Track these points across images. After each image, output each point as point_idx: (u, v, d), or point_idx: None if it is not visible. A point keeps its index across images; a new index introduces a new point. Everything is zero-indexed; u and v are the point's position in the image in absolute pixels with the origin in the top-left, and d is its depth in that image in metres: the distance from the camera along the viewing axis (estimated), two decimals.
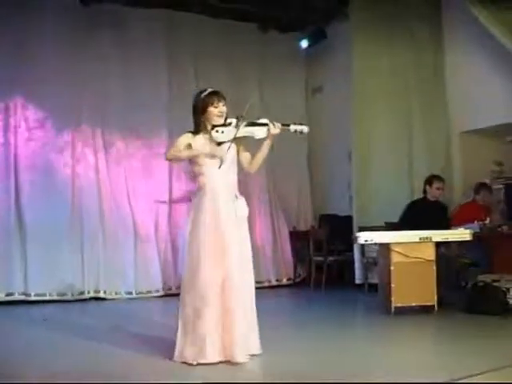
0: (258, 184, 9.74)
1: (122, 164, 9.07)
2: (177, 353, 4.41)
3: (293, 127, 4.64)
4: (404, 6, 8.77)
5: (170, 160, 4.91)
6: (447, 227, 6.89)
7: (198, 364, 4.28)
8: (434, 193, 7.40)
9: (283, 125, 4.64)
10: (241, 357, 4.30)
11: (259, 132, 4.59)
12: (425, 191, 7.48)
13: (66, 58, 8.70)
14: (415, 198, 7.78)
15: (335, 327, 5.99)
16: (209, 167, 4.55)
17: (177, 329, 4.45)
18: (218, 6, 9.33)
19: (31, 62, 8.52)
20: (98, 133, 8.96)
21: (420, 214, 7.10)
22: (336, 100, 9.91)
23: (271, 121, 4.61)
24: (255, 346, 4.54)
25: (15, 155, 8.44)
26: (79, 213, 8.64)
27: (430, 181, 7.45)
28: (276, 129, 4.57)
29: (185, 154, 4.58)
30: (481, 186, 7.84)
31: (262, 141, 4.64)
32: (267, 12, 9.65)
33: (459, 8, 8.30)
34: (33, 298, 8.11)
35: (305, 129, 4.67)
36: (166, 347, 4.62)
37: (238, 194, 4.63)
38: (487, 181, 8.12)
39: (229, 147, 4.46)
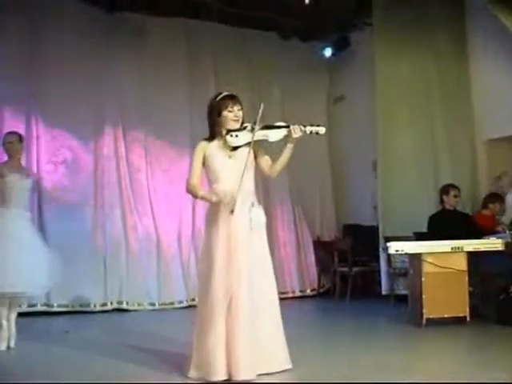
0: (281, 194, 9.68)
1: (145, 174, 9.01)
2: (191, 369, 4.27)
3: (309, 128, 4.51)
4: (426, 13, 8.68)
5: (189, 193, 4.67)
6: (477, 235, 6.74)
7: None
8: (451, 201, 7.31)
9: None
10: (245, 373, 4.12)
11: (274, 135, 4.49)
12: (442, 201, 7.40)
13: (86, 67, 8.68)
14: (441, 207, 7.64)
15: (367, 340, 5.87)
16: (223, 173, 4.46)
17: (192, 344, 4.33)
18: (237, 15, 9.28)
19: (50, 72, 8.53)
20: (120, 143, 8.92)
21: (444, 226, 6.98)
22: (358, 109, 9.85)
23: (292, 124, 4.50)
24: (285, 361, 4.40)
25: (38, 165, 8.41)
26: (102, 223, 8.58)
27: (446, 190, 7.37)
28: (297, 132, 4.44)
29: (201, 197, 4.53)
30: (495, 197, 7.69)
31: (278, 144, 4.54)
32: (288, 20, 9.58)
33: (482, 14, 8.17)
34: (55, 309, 8.04)
35: (321, 130, 4.54)
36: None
37: (255, 201, 4.51)
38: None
39: (239, 186, 4.34)
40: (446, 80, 8.72)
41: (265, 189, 9.20)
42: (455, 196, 7.32)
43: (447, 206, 7.34)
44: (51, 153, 8.56)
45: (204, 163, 4.52)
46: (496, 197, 7.68)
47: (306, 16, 9.30)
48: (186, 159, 9.11)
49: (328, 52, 10.22)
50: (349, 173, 10.23)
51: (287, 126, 4.49)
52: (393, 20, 8.65)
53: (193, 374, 4.25)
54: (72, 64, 8.58)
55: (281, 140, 4.51)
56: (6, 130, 6.99)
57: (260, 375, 4.21)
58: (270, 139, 4.49)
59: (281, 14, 9.32)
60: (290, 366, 4.40)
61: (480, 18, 8.39)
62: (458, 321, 6.27)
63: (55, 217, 8.34)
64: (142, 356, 5.15)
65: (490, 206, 7.61)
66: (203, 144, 4.53)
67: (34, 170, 8.31)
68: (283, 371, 4.34)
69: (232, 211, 4.31)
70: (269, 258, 4.54)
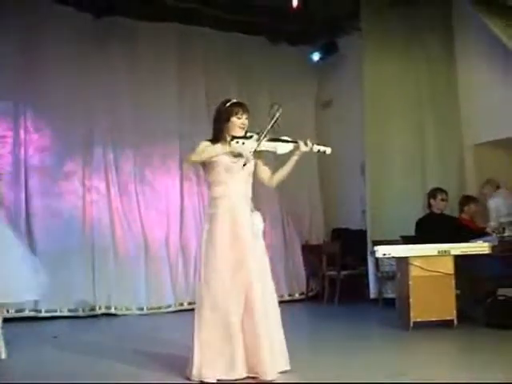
0: (269, 198, 9.64)
1: (133, 180, 8.99)
2: (195, 371, 4.28)
3: (316, 147, 4.62)
4: (415, 18, 8.72)
5: (192, 162, 4.63)
6: (465, 239, 6.77)
7: (219, 381, 4.20)
8: (439, 205, 7.35)
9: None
10: (271, 374, 4.21)
11: (282, 148, 4.54)
12: (429, 205, 7.43)
13: (75, 72, 8.69)
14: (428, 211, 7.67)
15: (355, 343, 5.86)
16: (226, 176, 4.48)
17: (193, 346, 4.33)
18: (227, 19, 9.28)
19: (39, 75, 8.49)
20: (109, 148, 8.90)
21: (432, 230, 7.01)
22: (347, 113, 9.89)
23: (295, 139, 4.59)
24: (284, 362, 4.44)
25: (25, 170, 8.38)
26: (90, 229, 8.56)
27: (433, 194, 7.41)
28: (307, 147, 4.54)
29: (206, 155, 4.47)
30: (467, 199, 7.75)
31: (281, 156, 4.59)
32: (277, 25, 9.61)
33: (471, 19, 8.21)
34: (43, 315, 8.01)
35: (328, 150, 4.67)
36: (182, 365, 4.51)
37: (252, 208, 4.57)
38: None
39: (245, 162, 4.41)
40: (434, 84, 8.75)
41: (253, 192, 9.17)
42: (442, 200, 7.35)
43: (435, 210, 7.37)
44: (39, 158, 8.52)
45: (205, 164, 4.54)
46: (468, 198, 7.74)
47: (295, 20, 9.31)
48: (175, 164, 9.15)
49: (316, 56, 10.24)
50: (337, 177, 10.24)
51: (295, 141, 4.56)
52: (381, 25, 8.68)
53: (197, 376, 4.26)
54: (62, 69, 8.59)
55: (287, 153, 4.57)
56: None
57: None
58: (278, 152, 4.55)
59: (270, 18, 9.33)
60: (287, 368, 4.44)
61: (467, 20, 8.43)
62: (446, 324, 6.28)
63: (43, 222, 8.32)
64: (135, 358, 5.17)
65: (465, 208, 7.65)
66: (207, 143, 4.54)
67: (23, 174, 8.32)
68: (283, 372, 4.38)
69: (245, 164, 4.41)
70: (268, 262, 4.57)
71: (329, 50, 10.04)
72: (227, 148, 4.47)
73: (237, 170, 4.47)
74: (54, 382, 4.43)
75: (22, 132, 8.42)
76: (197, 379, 4.26)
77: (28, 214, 8.29)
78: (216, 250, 4.36)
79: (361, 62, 8.77)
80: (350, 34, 9.64)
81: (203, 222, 4.62)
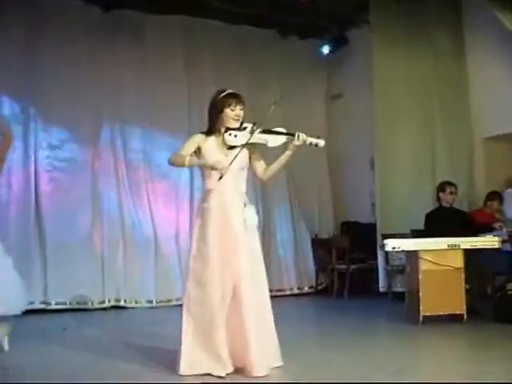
0: (279, 192, 9.67)
1: (143, 173, 9.00)
2: (182, 365, 4.27)
3: (308, 139, 4.46)
4: (424, 12, 8.69)
5: (171, 164, 4.53)
6: (473, 233, 6.74)
7: (212, 376, 4.19)
8: (447, 198, 7.33)
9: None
10: (261, 370, 4.16)
11: (274, 140, 4.45)
12: (438, 198, 7.42)
13: (83, 65, 8.66)
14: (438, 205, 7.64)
15: (363, 337, 5.85)
16: (216, 171, 4.40)
17: (180, 342, 4.31)
18: (236, 12, 9.23)
19: (47, 68, 8.49)
20: (118, 142, 8.90)
21: (441, 224, 6.99)
22: (356, 106, 9.85)
23: (294, 131, 4.46)
24: (275, 358, 4.40)
25: (35, 166, 8.39)
26: (100, 221, 8.57)
27: (442, 187, 7.40)
28: (299, 141, 4.42)
29: (188, 162, 4.42)
30: (493, 195, 7.71)
31: (276, 149, 4.52)
32: (286, 18, 9.57)
33: (480, 11, 8.18)
34: (53, 307, 8.05)
35: (320, 142, 4.49)
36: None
37: (247, 201, 4.50)
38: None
39: (233, 158, 4.32)
40: (443, 77, 8.72)
41: (263, 187, 9.22)
42: (451, 193, 7.32)
43: (444, 204, 7.35)
44: (49, 151, 8.53)
45: (198, 157, 4.48)
46: (494, 194, 7.69)
47: (305, 13, 9.28)
48: None
49: (326, 49, 10.19)
50: (347, 170, 10.23)
51: (291, 134, 4.44)
52: (390, 18, 8.65)
53: (185, 370, 4.26)
54: (70, 62, 8.55)
55: (280, 146, 4.49)
56: None
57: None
58: (269, 144, 4.45)
59: (279, 11, 9.30)
60: (280, 364, 4.40)
61: (477, 14, 8.41)
62: (455, 318, 6.27)
63: (53, 215, 8.33)
64: (142, 353, 5.12)
65: (488, 203, 7.64)
66: (200, 136, 4.51)
67: (32, 167, 8.34)
68: (277, 368, 4.35)
69: (221, 177, 4.32)
70: (261, 257, 4.50)
71: (339, 42, 9.97)
72: (218, 145, 4.45)
73: (225, 165, 4.35)
74: (58, 379, 4.40)
75: (31, 124, 8.42)
76: (185, 374, 4.25)
77: (38, 208, 8.30)
78: (208, 246, 4.31)
79: (370, 56, 8.74)
80: (359, 28, 9.59)
81: (195, 216, 4.57)
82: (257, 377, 4.13)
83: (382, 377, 4.19)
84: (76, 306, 8.16)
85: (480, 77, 8.53)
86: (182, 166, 4.52)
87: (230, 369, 4.23)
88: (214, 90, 9.05)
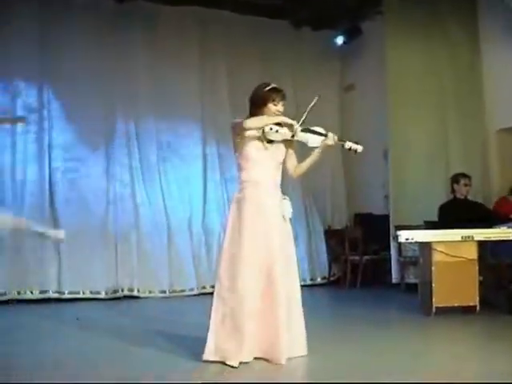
0: (292, 183, 9.63)
1: (156, 164, 9.01)
2: (206, 351, 4.30)
3: (348, 144, 4.51)
4: (438, 2, 8.65)
5: (249, 128, 4.36)
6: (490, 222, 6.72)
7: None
8: (462, 190, 7.31)
9: (339, 140, 4.53)
10: (284, 358, 4.21)
11: (314, 140, 4.49)
12: (453, 190, 7.40)
13: (97, 56, 8.68)
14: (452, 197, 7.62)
15: (375, 328, 5.85)
16: (255, 161, 4.43)
17: (208, 327, 4.35)
18: (249, 3, 9.25)
19: (61, 61, 8.54)
20: (132, 131, 8.92)
21: (455, 215, 6.97)
22: (370, 98, 9.82)
23: (329, 131, 4.52)
24: (302, 348, 4.45)
25: (49, 157, 8.45)
26: (113, 211, 8.61)
27: (456, 179, 7.37)
28: (332, 141, 4.47)
29: (258, 122, 4.37)
30: None
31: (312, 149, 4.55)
32: (299, 9, 9.54)
33: (494, 2, 8.13)
34: (66, 296, 8.10)
35: (359, 148, 4.53)
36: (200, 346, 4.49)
37: (282, 194, 4.55)
38: None
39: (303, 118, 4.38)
40: (457, 69, 8.69)
41: None
42: (465, 185, 7.30)
43: (458, 195, 7.33)
44: (63, 141, 8.57)
45: (239, 145, 4.48)
46: None
47: (318, 4, 9.26)
48: (197, 146, 9.17)
49: (340, 40, 10.13)
50: (360, 161, 10.13)
51: (325, 135, 4.49)
52: (404, 9, 8.63)
53: (209, 356, 4.29)
54: (83, 53, 8.59)
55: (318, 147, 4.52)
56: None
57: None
58: (310, 144, 4.49)
59: (292, 2, 9.29)
60: (305, 353, 4.45)
61: (492, 6, 8.34)
62: (468, 310, 6.25)
63: (67, 205, 8.39)
64: (159, 341, 5.16)
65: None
66: None
67: (46, 158, 8.39)
68: (299, 357, 4.38)
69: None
70: (294, 249, 4.57)
71: (352, 34, 9.91)
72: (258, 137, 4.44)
73: (266, 158, 4.43)
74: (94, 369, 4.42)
75: (45, 112, 8.48)
76: (207, 359, 4.28)
77: (52, 198, 8.37)
78: (242, 236, 4.32)
79: (384, 47, 8.71)
80: (372, 19, 9.53)
81: (230, 206, 4.56)
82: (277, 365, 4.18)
83: (395, 367, 4.22)
84: (89, 296, 8.19)
85: (494, 68, 8.49)
86: (260, 124, 4.39)
87: (249, 359, 4.25)
88: (227, 80, 9.32)
